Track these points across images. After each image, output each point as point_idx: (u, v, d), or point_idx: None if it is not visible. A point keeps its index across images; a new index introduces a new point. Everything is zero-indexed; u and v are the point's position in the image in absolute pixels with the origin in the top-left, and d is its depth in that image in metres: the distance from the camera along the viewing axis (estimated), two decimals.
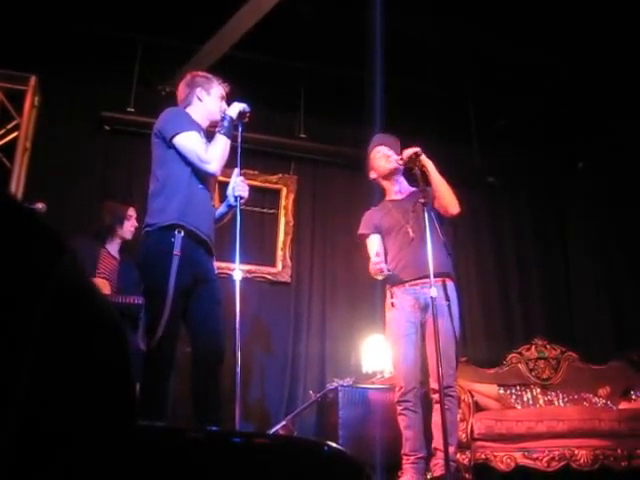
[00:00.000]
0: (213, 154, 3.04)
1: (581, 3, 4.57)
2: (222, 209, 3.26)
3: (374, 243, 3.66)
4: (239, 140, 3.21)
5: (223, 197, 3.29)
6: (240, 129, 3.24)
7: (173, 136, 2.98)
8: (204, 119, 3.23)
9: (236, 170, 3.22)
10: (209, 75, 3.32)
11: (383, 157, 3.69)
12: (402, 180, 3.77)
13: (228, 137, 3.12)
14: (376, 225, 3.68)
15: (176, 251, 2.84)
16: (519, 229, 6.30)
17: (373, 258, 3.42)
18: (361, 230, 3.74)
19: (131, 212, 4.28)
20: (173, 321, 2.84)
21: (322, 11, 4.85)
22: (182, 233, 2.89)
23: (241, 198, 3.14)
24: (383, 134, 3.90)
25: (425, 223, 3.28)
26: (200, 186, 3.05)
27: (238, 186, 3.15)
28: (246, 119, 3.25)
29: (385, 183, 3.77)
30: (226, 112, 3.18)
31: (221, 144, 3.08)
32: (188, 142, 2.99)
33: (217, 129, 3.14)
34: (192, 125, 3.09)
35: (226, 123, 3.14)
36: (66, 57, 5.00)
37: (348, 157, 5.65)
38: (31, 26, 4.78)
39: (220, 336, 2.98)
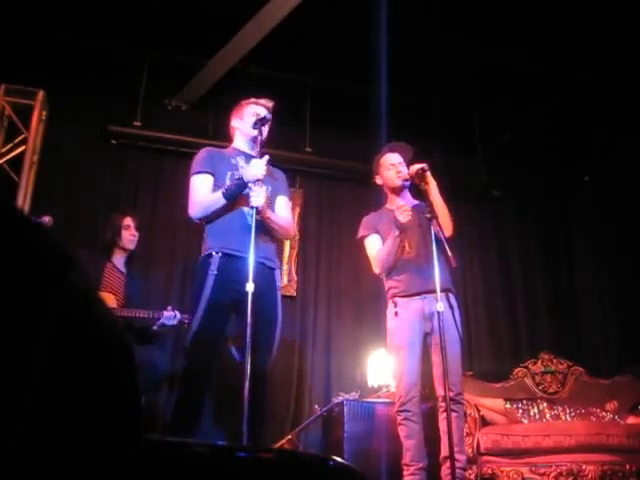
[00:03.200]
0: (202, 204, 3.17)
1: (586, 18, 4.59)
2: None
3: (375, 242, 3.64)
4: (258, 148, 3.22)
5: None
6: (259, 138, 3.22)
7: (190, 178, 3.27)
8: (244, 144, 3.37)
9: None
10: (243, 101, 3.44)
11: (394, 171, 3.67)
12: (407, 193, 3.77)
13: (227, 199, 3.11)
14: (377, 228, 3.66)
15: (212, 271, 3.04)
16: (525, 243, 6.28)
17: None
18: (361, 232, 3.72)
19: (128, 221, 4.11)
20: (203, 338, 2.94)
21: (327, 25, 4.88)
22: (219, 254, 3.08)
23: (257, 209, 3.04)
24: (396, 142, 3.82)
25: (431, 237, 3.28)
26: (232, 212, 3.15)
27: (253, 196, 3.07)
28: (264, 124, 3.27)
29: (390, 194, 3.78)
30: (243, 173, 3.13)
31: (214, 200, 3.14)
32: (192, 185, 3.23)
33: (225, 187, 3.14)
34: (205, 166, 3.23)
35: (235, 182, 3.12)
36: (73, 72, 5.04)
37: (354, 171, 5.65)
38: (39, 41, 4.83)
39: (258, 353, 2.83)
